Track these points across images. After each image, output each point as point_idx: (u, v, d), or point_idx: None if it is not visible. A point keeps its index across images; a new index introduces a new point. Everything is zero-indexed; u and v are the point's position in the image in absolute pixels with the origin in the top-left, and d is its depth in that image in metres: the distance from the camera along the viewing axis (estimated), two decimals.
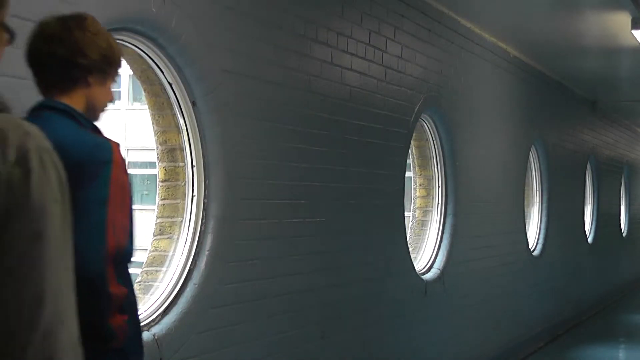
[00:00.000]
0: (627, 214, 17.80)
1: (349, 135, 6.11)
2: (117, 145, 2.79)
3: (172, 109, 4.57)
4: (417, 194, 7.96)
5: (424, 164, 7.94)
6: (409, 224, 7.72)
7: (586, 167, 14.13)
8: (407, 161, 7.40)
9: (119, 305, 2.71)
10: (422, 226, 7.93)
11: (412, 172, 7.92)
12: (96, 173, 2.66)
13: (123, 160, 2.77)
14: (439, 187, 7.96)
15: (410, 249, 7.28)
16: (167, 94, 4.54)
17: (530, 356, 10.14)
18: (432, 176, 7.96)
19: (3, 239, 1.52)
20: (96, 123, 2.92)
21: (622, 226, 17.47)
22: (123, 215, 2.75)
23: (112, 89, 2.84)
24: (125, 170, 2.76)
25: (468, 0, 7.82)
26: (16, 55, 3.37)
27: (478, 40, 8.69)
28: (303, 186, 5.52)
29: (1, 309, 1.51)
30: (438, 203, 7.95)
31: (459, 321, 8.19)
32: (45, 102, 2.78)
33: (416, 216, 7.94)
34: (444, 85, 7.81)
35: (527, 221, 10.68)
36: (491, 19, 8.48)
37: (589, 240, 14.23)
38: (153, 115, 4.63)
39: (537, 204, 11.32)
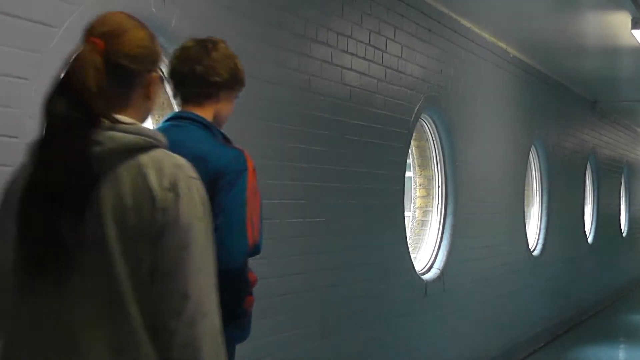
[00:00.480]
0: (627, 214, 17.81)
1: (349, 135, 6.11)
2: (248, 154, 3.30)
3: (172, 109, 4.57)
4: (417, 194, 7.96)
5: (424, 164, 7.94)
6: (409, 224, 7.72)
7: (586, 167, 14.14)
8: (407, 161, 7.40)
9: (251, 288, 3.42)
10: (422, 226, 7.94)
11: (412, 172, 7.93)
12: (235, 180, 3.14)
13: (254, 168, 3.30)
14: (439, 187, 7.96)
15: (410, 249, 7.28)
16: (167, 94, 4.54)
17: (530, 356, 10.14)
18: (432, 176, 7.96)
19: (159, 248, 2.06)
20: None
21: (622, 226, 17.48)
22: (256, 215, 3.20)
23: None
24: (255, 176, 3.29)
25: (468, 0, 7.82)
26: (17, 55, 3.38)
27: (478, 40, 8.69)
28: (303, 186, 5.52)
29: (158, 302, 2.05)
30: (438, 203, 7.95)
31: (458, 321, 8.20)
32: (183, 113, 3.25)
33: (416, 216, 7.94)
34: (444, 85, 7.81)
35: (527, 221, 10.68)
36: (491, 19, 8.48)
37: (589, 240, 14.23)
38: (153, 116, 4.62)
39: (537, 204, 11.33)
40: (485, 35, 8.89)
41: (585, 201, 14.10)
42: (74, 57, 2.24)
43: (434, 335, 7.66)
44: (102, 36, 2.26)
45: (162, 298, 2.07)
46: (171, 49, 4.34)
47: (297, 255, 5.46)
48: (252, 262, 4.99)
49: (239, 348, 4.88)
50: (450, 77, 7.97)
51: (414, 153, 7.86)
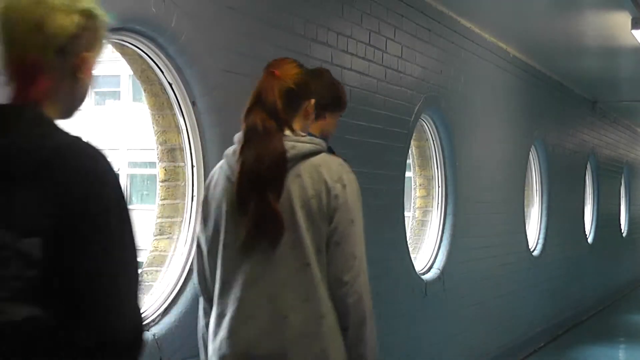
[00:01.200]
0: (627, 214, 17.81)
1: (349, 135, 6.11)
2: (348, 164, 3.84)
3: (172, 109, 4.57)
4: (417, 194, 7.96)
5: (424, 164, 7.94)
6: (409, 224, 7.71)
7: (586, 167, 14.14)
8: (407, 161, 7.40)
9: None
10: (422, 226, 7.93)
11: (412, 172, 7.92)
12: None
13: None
14: (439, 187, 7.96)
15: (410, 249, 7.28)
16: (167, 94, 4.54)
17: (530, 356, 10.14)
18: (432, 176, 7.96)
19: (333, 224, 2.95)
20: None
21: (622, 226, 17.48)
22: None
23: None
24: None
25: (468, 0, 7.82)
26: None
27: (478, 40, 8.69)
28: None
29: (334, 263, 2.95)
30: (438, 203, 7.95)
31: (458, 321, 8.19)
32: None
33: (416, 216, 7.94)
34: (444, 85, 7.81)
35: (527, 221, 10.68)
36: (491, 19, 8.48)
37: (589, 240, 14.23)
38: (153, 115, 4.63)
39: (537, 204, 11.33)
40: (485, 35, 8.89)
41: (585, 201, 14.10)
42: (260, 83, 3.21)
43: (434, 335, 7.65)
44: (277, 68, 3.20)
45: (338, 260, 2.97)
46: (171, 49, 4.36)
47: None
48: None
49: None
50: (450, 77, 7.97)
51: (414, 153, 7.86)
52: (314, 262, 2.96)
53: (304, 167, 3.01)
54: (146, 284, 4.54)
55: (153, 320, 4.29)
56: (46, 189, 1.87)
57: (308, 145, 3.05)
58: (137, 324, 1.95)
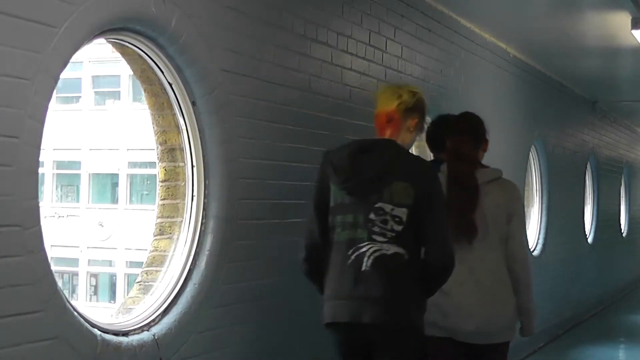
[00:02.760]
0: (627, 214, 17.81)
1: (349, 135, 6.11)
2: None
3: (172, 109, 4.57)
4: None
5: None
6: None
7: (586, 167, 14.14)
8: None
9: None
10: None
11: None
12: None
13: None
14: None
15: None
16: (167, 94, 4.54)
17: (530, 356, 10.14)
18: None
19: (509, 224, 4.65)
20: None
21: (622, 226, 17.48)
22: None
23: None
24: None
25: (468, 0, 7.82)
26: (17, 55, 3.38)
27: (478, 40, 8.69)
28: (303, 186, 5.51)
29: (509, 249, 4.67)
30: None
31: None
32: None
33: None
34: (444, 85, 7.81)
35: (527, 221, 10.67)
36: (491, 19, 8.48)
37: (589, 240, 14.23)
38: (153, 115, 4.63)
39: (537, 204, 11.33)
40: (485, 35, 8.89)
41: (585, 201, 14.10)
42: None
43: None
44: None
45: (511, 246, 4.67)
46: (171, 49, 4.36)
47: (297, 255, 5.45)
48: (252, 262, 5.00)
49: (239, 348, 4.89)
50: (450, 77, 7.97)
51: (414, 153, 7.86)
52: (498, 248, 4.66)
53: (491, 187, 4.80)
54: (146, 283, 4.54)
55: (153, 320, 4.29)
56: (411, 181, 3.99)
57: (493, 173, 4.90)
58: (453, 254, 4.05)
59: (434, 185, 4.04)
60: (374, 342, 3.96)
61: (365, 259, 3.93)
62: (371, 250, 3.94)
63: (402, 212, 3.94)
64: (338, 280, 4.00)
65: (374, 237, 3.94)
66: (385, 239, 3.94)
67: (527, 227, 9.80)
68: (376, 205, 3.95)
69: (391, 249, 3.93)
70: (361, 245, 3.95)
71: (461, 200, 4.59)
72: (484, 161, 4.94)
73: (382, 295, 3.89)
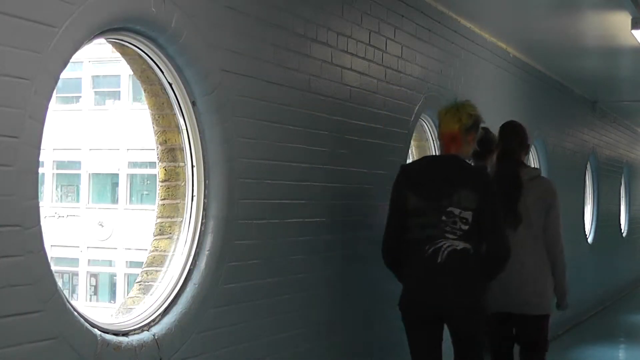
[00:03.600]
0: (627, 214, 17.80)
1: (349, 135, 6.11)
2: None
3: (172, 109, 4.57)
4: None
5: None
6: None
7: (586, 167, 14.13)
8: (407, 161, 7.40)
9: None
10: None
11: None
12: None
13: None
14: None
15: None
16: (167, 94, 4.54)
17: None
18: None
19: (547, 216, 5.93)
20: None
21: (622, 226, 17.47)
22: None
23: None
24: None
25: (468, 0, 7.82)
26: (17, 55, 3.38)
27: (478, 40, 8.69)
28: (303, 186, 5.52)
29: (548, 235, 5.89)
30: None
31: None
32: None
33: None
34: (444, 85, 7.81)
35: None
36: (491, 19, 8.48)
37: (589, 240, 14.23)
38: (153, 115, 4.63)
39: None
40: (485, 35, 8.89)
41: (585, 201, 14.10)
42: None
43: None
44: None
45: (550, 234, 5.85)
46: (171, 49, 4.36)
47: (297, 255, 5.46)
48: (252, 262, 5.00)
49: (239, 348, 4.89)
50: (450, 77, 7.97)
51: (414, 153, 7.86)
52: (539, 235, 5.89)
53: (533, 183, 5.99)
54: (146, 283, 4.54)
55: (153, 320, 4.29)
56: (474, 189, 4.93)
57: (534, 171, 6.17)
58: (509, 247, 5.01)
59: (491, 192, 5.04)
60: (447, 317, 5.08)
61: (441, 253, 4.97)
62: (445, 245, 4.97)
63: (468, 215, 4.97)
64: (417, 270, 5.07)
65: (447, 235, 4.98)
66: (455, 237, 4.98)
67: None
68: (447, 209, 4.99)
69: (460, 245, 4.97)
70: (436, 242, 4.99)
71: (507, 194, 5.67)
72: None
73: (455, 281, 4.97)
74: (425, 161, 5.41)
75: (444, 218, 4.98)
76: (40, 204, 3.59)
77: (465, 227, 4.96)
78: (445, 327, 5.19)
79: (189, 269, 4.53)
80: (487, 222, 4.99)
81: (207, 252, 4.58)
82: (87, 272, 35.60)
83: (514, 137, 5.96)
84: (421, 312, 5.10)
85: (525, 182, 5.81)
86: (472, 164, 5.44)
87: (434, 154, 7.92)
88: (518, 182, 5.79)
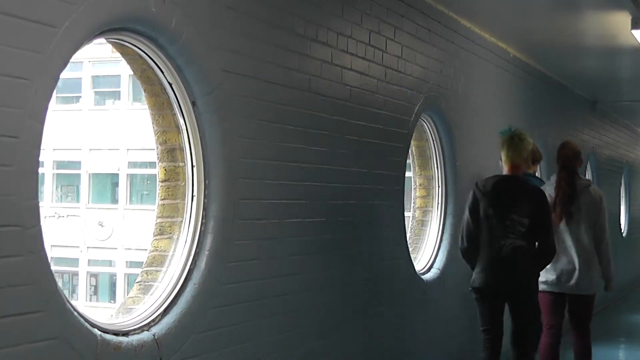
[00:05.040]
0: (627, 214, 17.79)
1: (349, 135, 6.11)
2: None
3: (172, 109, 4.57)
4: (417, 194, 7.96)
5: (424, 164, 7.94)
6: (409, 224, 7.71)
7: (586, 167, 14.13)
8: (407, 161, 7.40)
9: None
10: (422, 226, 7.94)
11: (412, 172, 7.92)
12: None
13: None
14: (439, 187, 7.96)
15: (410, 249, 7.28)
16: (167, 94, 4.54)
17: None
18: (432, 176, 7.96)
19: (597, 216, 7.32)
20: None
21: (622, 226, 17.47)
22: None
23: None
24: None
25: (468, 0, 7.82)
26: (17, 55, 3.38)
27: (478, 40, 8.69)
28: (303, 186, 5.52)
29: (597, 229, 7.32)
30: (438, 203, 7.95)
31: (459, 321, 8.19)
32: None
33: (416, 216, 7.94)
34: (444, 85, 7.81)
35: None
36: (491, 19, 8.48)
37: None
38: (153, 115, 4.63)
39: None
40: (485, 35, 8.89)
41: None
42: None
43: (434, 335, 7.66)
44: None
45: (598, 231, 7.28)
46: (171, 49, 4.36)
47: (297, 255, 5.46)
48: (252, 262, 5.00)
49: (239, 348, 4.89)
50: (450, 77, 7.97)
51: (414, 153, 7.86)
52: (590, 229, 7.28)
53: (586, 190, 7.35)
54: (146, 283, 4.54)
55: (153, 320, 4.29)
56: (529, 202, 6.54)
57: (586, 181, 7.44)
58: (555, 246, 6.67)
59: (543, 204, 6.64)
60: (509, 295, 6.64)
61: (505, 249, 6.49)
62: (508, 243, 6.49)
63: (525, 221, 6.50)
64: (488, 261, 6.58)
65: (510, 235, 6.50)
66: (516, 237, 6.49)
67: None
68: (510, 216, 6.51)
69: (519, 242, 6.49)
70: (502, 241, 6.50)
71: (565, 197, 7.23)
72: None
73: (516, 270, 6.53)
74: (494, 180, 6.72)
75: (507, 223, 6.51)
76: (40, 204, 3.59)
77: (523, 230, 6.50)
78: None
79: (189, 269, 4.53)
80: (538, 226, 6.53)
81: (207, 252, 4.58)
82: (87, 272, 35.59)
83: (571, 154, 7.39)
84: (489, 291, 6.64)
85: (580, 189, 7.27)
86: (527, 179, 7.08)
87: (435, 154, 7.96)
88: (574, 189, 7.25)
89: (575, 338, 7.99)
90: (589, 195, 7.28)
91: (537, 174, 8.92)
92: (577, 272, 7.27)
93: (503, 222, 6.51)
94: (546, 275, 7.12)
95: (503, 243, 6.51)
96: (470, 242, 6.66)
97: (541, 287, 6.97)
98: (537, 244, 6.60)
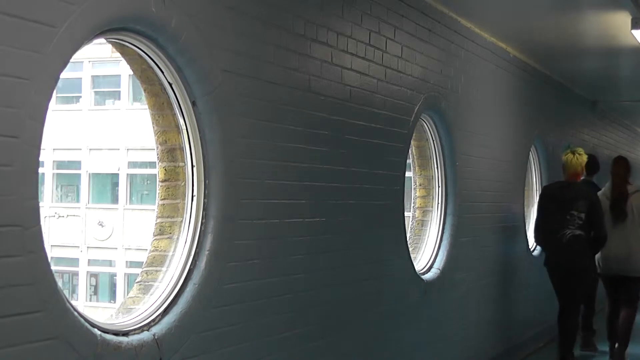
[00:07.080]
0: None
1: (349, 135, 6.11)
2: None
3: (172, 109, 4.57)
4: (417, 194, 7.96)
5: (424, 164, 7.94)
6: (409, 224, 7.71)
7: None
8: (407, 161, 7.40)
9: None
10: (422, 226, 7.93)
11: (412, 172, 7.92)
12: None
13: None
14: (439, 187, 7.96)
15: (410, 249, 7.28)
16: (167, 94, 4.54)
17: (530, 356, 10.14)
18: (432, 176, 7.96)
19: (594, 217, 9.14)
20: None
21: None
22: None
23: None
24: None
25: (468, 0, 7.82)
26: (17, 55, 3.38)
27: (478, 40, 8.69)
28: (303, 186, 5.52)
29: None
30: (438, 203, 7.95)
31: (458, 321, 8.20)
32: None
33: (416, 216, 7.94)
34: (444, 85, 7.81)
35: (527, 221, 10.68)
36: (491, 19, 8.48)
37: None
38: (153, 115, 4.63)
39: (538, 203, 11.29)
40: (485, 35, 8.89)
41: None
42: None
43: (434, 335, 7.66)
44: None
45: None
46: (171, 49, 4.36)
47: (297, 255, 5.46)
48: (252, 262, 5.00)
49: (239, 348, 4.89)
50: (450, 77, 7.97)
51: (414, 153, 7.86)
52: (637, 230, 9.20)
53: (636, 195, 9.32)
54: (146, 283, 4.54)
55: (153, 320, 4.29)
56: (586, 201, 8.78)
57: (634, 187, 9.35)
58: (607, 235, 8.89)
59: (596, 202, 8.81)
60: (572, 275, 8.70)
61: (566, 237, 8.69)
62: (568, 233, 8.70)
63: (582, 215, 8.69)
64: (553, 247, 8.85)
65: (570, 227, 8.69)
66: (574, 227, 8.68)
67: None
68: (570, 212, 8.69)
69: (577, 232, 8.70)
70: (563, 231, 8.71)
71: (618, 199, 9.21)
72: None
73: (576, 254, 8.70)
74: (558, 184, 9.06)
75: (567, 217, 8.70)
76: (40, 204, 3.59)
77: (580, 222, 8.69)
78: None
79: (189, 269, 4.53)
80: (593, 220, 8.73)
81: (207, 252, 4.58)
82: (87, 272, 35.60)
83: (622, 166, 9.43)
84: (558, 269, 8.84)
85: (630, 193, 9.26)
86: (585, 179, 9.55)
87: (435, 154, 7.97)
88: (625, 193, 9.25)
89: (624, 311, 9.49)
90: (638, 198, 9.29)
91: (594, 181, 10.74)
92: (629, 258, 9.19)
93: (564, 216, 8.66)
94: (604, 262, 9.25)
95: (564, 232, 8.68)
96: (540, 231, 9.03)
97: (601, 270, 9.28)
98: (592, 233, 8.73)
